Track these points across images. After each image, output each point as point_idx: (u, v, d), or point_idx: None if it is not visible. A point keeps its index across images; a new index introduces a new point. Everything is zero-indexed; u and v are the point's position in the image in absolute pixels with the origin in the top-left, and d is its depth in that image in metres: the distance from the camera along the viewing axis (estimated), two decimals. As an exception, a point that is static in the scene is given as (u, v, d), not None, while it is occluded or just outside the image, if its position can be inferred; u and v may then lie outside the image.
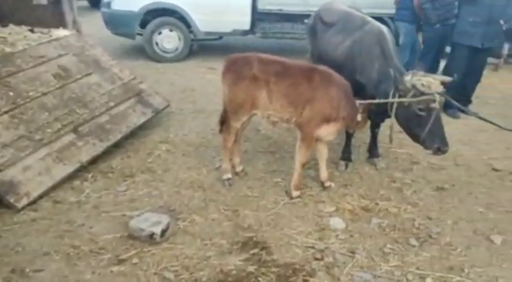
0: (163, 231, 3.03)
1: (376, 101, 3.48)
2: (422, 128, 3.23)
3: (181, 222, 3.26)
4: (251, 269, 2.81)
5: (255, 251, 2.98)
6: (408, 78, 3.25)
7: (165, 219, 3.11)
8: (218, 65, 7.33)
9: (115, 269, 2.79)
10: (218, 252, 2.96)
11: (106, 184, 3.75)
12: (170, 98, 5.42)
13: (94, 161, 3.95)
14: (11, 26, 5.07)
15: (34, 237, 3.01)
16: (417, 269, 2.84)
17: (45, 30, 4.97)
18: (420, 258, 2.95)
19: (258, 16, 8.08)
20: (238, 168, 4.01)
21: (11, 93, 3.83)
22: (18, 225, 3.12)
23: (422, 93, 3.17)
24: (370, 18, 4.00)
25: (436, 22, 6.14)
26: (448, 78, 3.44)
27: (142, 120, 4.63)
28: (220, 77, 3.69)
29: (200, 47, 8.39)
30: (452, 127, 5.12)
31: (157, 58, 7.84)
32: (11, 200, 3.23)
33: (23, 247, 2.92)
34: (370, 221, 3.36)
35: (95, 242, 3.01)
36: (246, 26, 8.06)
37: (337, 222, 3.31)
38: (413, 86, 3.19)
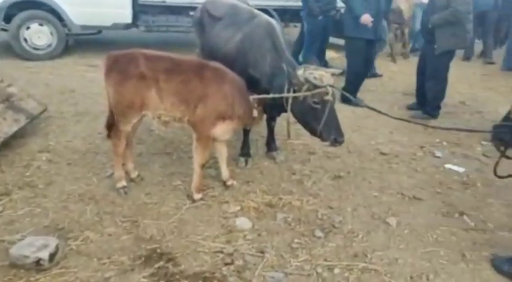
0: (52, 256, 2.65)
1: (271, 96, 3.45)
2: (318, 120, 3.26)
3: (72, 241, 2.89)
4: (158, 284, 2.60)
5: (161, 264, 2.76)
6: (301, 72, 3.26)
7: (52, 241, 2.73)
8: (99, 62, 6.84)
9: (-5, 307, 2.37)
10: (119, 271, 2.68)
11: (-25, 206, 3.20)
12: (47, 101, 4.87)
13: (-43, 180, 3.36)
14: None
15: None
16: (325, 260, 2.87)
17: None
18: (327, 249, 2.99)
19: (140, 8, 7.68)
20: (133, 174, 3.71)
21: None
22: None
23: (316, 86, 3.20)
24: (258, 11, 3.96)
25: (318, 14, 6.38)
26: (337, 71, 3.55)
27: (15, 128, 4.06)
28: (102, 76, 3.34)
29: (77, 42, 7.70)
30: (341, 115, 5.26)
31: (27, 56, 7.05)
32: None
33: None
34: (276, 216, 3.33)
35: (-32, 278, 2.54)
36: (128, 19, 7.61)
37: (243, 222, 3.22)
38: (307, 80, 3.21)
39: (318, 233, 3.14)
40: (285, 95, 3.34)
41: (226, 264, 2.80)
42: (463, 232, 3.25)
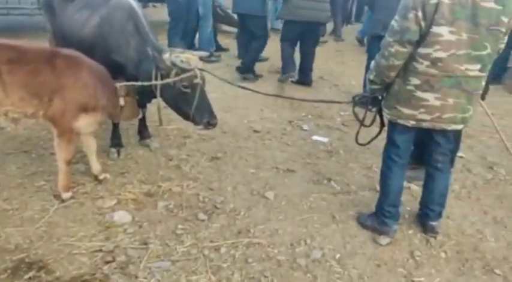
0: None
1: (139, 83, 3.28)
2: (189, 105, 3.22)
3: None
4: (31, 296, 2.34)
5: (31, 274, 2.48)
6: (167, 56, 3.17)
7: None
8: None
9: None
10: (-19, 291, 2.36)
11: None
12: None
13: None
14: None
15: None
16: (211, 242, 2.87)
17: None
18: (211, 230, 2.99)
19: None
20: (-14, 180, 3.27)
21: None
22: None
23: (184, 70, 3.14)
24: None
25: None
26: (205, 53, 3.51)
27: None
28: None
29: None
30: (212, 97, 5.28)
31: None
32: None
33: None
34: (157, 205, 3.22)
35: None
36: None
37: (122, 216, 3.05)
38: (173, 64, 3.13)
39: (201, 216, 3.13)
40: (154, 82, 3.21)
41: (107, 262, 2.63)
42: (331, 196, 3.52)
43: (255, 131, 4.69)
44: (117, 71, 3.34)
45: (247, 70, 6.50)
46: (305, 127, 4.88)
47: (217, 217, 3.15)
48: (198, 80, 3.18)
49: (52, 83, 2.94)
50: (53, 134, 3.12)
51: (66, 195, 3.19)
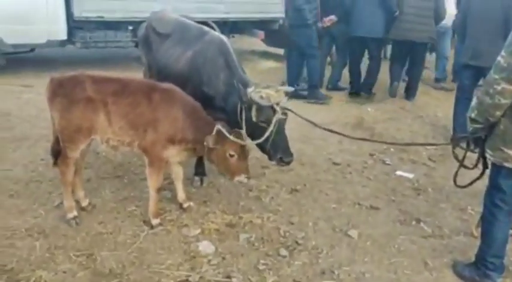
0: (2, 303, 2.43)
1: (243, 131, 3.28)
2: (266, 140, 3.22)
3: (23, 284, 2.67)
4: (123, 323, 2.45)
5: (124, 299, 2.61)
6: (250, 90, 3.22)
7: (1, 286, 2.50)
8: (35, 82, 6.48)
9: None
10: (79, 313, 2.50)
11: None
12: (-20, 127, 4.50)
13: None
14: None
15: None
16: (294, 281, 2.84)
17: None
18: (294, 268, 2.96)
19: (75, 24, 7.33)
20: (84, 203, 3.50)
21: None
22: None
23: (261, 107, 3.17)
24: (207, 28, 3.91)
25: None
26: (290, 89, 3.51)
27: None
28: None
29: (10, 61, 7.20)
30: (288, 127, 5.35)
31: (-47, 78, 6.49)
32: None
33: None
34: (238, 237, 3.26)
35: None
36: (63, 35, 7.25)
37: (206, 246, 3.12)
38: (252, 99, 3.17)
39: (283, 252, 3.11)
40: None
41: (193, 292, 2.70)
42: (422, 239, 3.34)
43: (335, 164, 4.63)
44: (206, 102, 3.48)
45: (369, 92, 7.15)
46: (388, 161, 4.74)
47: (299, 254, 3.12)
48: (275, 117, 3.17)
49: (147, 115, 3.13)
50: (145, 162, 3.29)
51: (155, 221, 3.33)
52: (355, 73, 7.30)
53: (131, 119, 3.13)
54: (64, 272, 2.79)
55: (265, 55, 10.09)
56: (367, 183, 4.24)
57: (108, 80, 3.21)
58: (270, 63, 9.62)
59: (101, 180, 3.99)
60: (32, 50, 7.47)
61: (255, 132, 3.28)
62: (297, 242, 3.24)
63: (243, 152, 3.18)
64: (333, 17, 6.85)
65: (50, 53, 8.06)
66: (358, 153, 4.95)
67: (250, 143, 3.29)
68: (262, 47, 10.38)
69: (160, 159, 3.23)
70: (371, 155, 4.90)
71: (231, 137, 3.08)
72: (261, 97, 3.15)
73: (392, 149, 5.06)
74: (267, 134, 3.16)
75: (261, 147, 3.36)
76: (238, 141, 3.11)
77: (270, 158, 3.36)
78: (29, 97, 5.98)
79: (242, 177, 3.21)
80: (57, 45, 7.35)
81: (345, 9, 6.80)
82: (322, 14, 6.81)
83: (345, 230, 3.41)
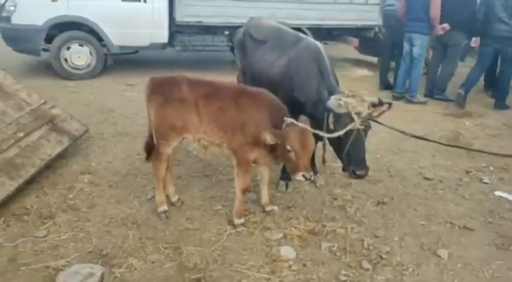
0: (98, 285, 2.64)
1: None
2: (342, 148, 3.14)
3: (117, 269, 2.87)
4: (204, 316, 2.54)
5: (205, 295, 2.70)
6: (332, 97, 3.15)
7: (98, 269, 2.71)
8: (137, 81, 6.97)
9: None
10: (164, 302, 2.64)
11: (22, 229, 3.22)
12: (87, 122, 4.93)
13: (4, 202, 3.39)
14: None
15: None
16: (376, 295, 2.75)
17: None
18: (376, 282, 2.87)
19: (176, 28, 7.79)
20: (174, 198, 3.69)
21: None
22: None
23: (336, 114, 3.07)
24: (303, 35, 3.92)
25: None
26: (375, 100, 3.22)
27: (58, 150, 4.11)
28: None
29: (115, 62, 7.83)
30: (379, 137, 5.24)
31: (67, 75, 7.22)
32: None
33: None
34: (320, 245, 3.23)
35: (16, 306, 2.54)
36: (164, 39, 7.74)
37: (287, 251, 3.13)
38: (328, 106, 3.10)
39: (366, 265, 3.02)
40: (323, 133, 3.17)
41: (272, 296, 2.72)
42: (521, 267, 3.07)
43: (426, 179, 4.39)
44: (297, 108, 3.49)
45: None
46: (485, 180, 4.39)
47: (382, 269, 3.00)
48: (352, 126, 3.04)
49: (236, 119, 3.21)
50: (233, 163, 3.38)
51: (238, 221, 3.42)
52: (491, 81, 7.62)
53: (221, 122, 3.24)
54: (152, 262, 2.97)
55: (359, 63, 9.89)
56: (460, 201, 3.96)
57: (202, 83, 3.35)
58: (363, 72, 9.41)
59: (190, 178, 4.17)
60: (136, 51, 8.05)
61: (331, 140, 3.23)
62: (381, 256, 3.13)
63: (303, 148, 3.01)
64: (446, 26, 6.84)
65: (152, 55, 8.60)
66: (453, 169, 4.65)
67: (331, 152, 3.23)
68: (355, 54, 10.19)
69: (247, 161, 3.30)
70: (467, 172, 4.57)
71: (298, 123, 2.98)
72: (339, 105, 3.05)
73: (491, 168, 4.69)
74: (347, 144, 3.05)
75: (338, 155, 3.30)
76: (303, 125, 2.99)
77: (343, 169, 3.28)
78: (131, 95, 6.44)
79: (299, 176, 3.00)
80: (158, 47, 7.86)
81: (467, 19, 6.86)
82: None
83: (433, 248, 3.23)
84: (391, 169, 4.53)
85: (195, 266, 2.95)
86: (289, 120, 3.01)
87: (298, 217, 3.59)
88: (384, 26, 8.35)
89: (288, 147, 2.97)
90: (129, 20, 7.34)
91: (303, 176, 2.97)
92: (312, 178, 3.16)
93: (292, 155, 2.99)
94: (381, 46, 8.34)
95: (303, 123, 3.03)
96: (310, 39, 3.78)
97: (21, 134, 3.87)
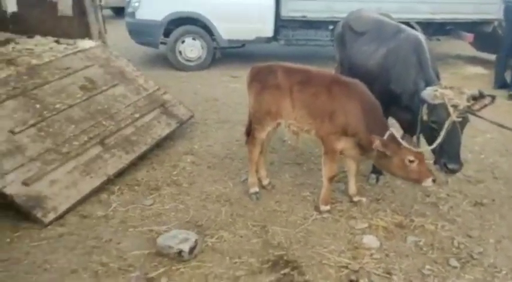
0: (192, 249, 2.93)
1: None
2: (434, 140, 3.00)
3: (209, 238, 3.16)
4: (283, 290, 2.70)
5: (286, 270, 2.86)
6: (428, 88, 3.06)
7: (192, 236, 3.02)
8: (241, 73, 7.31)
9: (143, 288, 2.71)
10: (248, 272, 2.85)
11: (132, 197, 3.68)
12: (194, 108, 5.36)
13: (120, 173, 3.89)
14: (37, 37, 5.10)
15: (62, 254, 2.95)
16: (461, 293, 2.67)
17: (71, 41, 4.99)
18: (463, 281, 2.77)
19: (281, 23, 8.02)
20: (265, 182, 3.90)
21: (38, 106, 3.81)
22: (46, 242, 3.07)
23: (433, 105, 2.97)
24: (404, 26, 3.86)
25: None
26: (475, 92, 3.05)
27: (167, 131, 4.56)
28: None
29: (223, 55, 8.31)
30: (486, 137, 4.93)
31: (180, 67, 7.82)
32: (38, 215, 3.18)
33: (50, 264, 2.86)
34: (406, 239, 3.20)
35: (123, 259, 2.94)
36: (269, 33, 7.99)
37: (371, 240, 3.16)
38: (422, 97, 3.01)
39: (453, 262, 2.94)
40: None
41: (351, 281, 2.78)
42: None
43: (535, 183, 4.06)
44: (392, 100, 3.47)
45: None
46: None
47: (471, 268, 2.90)
48: (449, 118, 2.92)
49: (326, 106, 3.31)
50: (321, 151, 3.48)
51: (324, 208, 3.52)
52: None
53: (312, 109, 3.36)
54: (241, 237, 3.21)
55: (473, 60, 9.22)
56: None
57: (297, 71, 3.50)
58: (477, 69, 8.72)
59: (282, 164, 4.35)
60: (243, 45, 8.43)
61: (425, 132, 3.16)
62: (471, 256, 3.02)
63: (421, 155, 3.08)
64: None
65: (257, 49, 8.95)
66: None
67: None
68: (470, 51, 9.51)
69: (333, 149, 3.38)
70: None
71: (403, 143, 3.01)
72: (435, 96, 2.96)
73: None
74: (440, 136, 2.94)
75: (432, 149, 3.18)
76: (410, 148, 3.01)
77: (434, 162, 3.16)
78: (235, 86, 6.81)
79: (429, 182, 3.06)
80: (263, 41, 8.15)
81: None
82: None
83: (534, 255, 3.02)
84: (495, 170, 4.25)
85: (279, 244, 3.12)
86: (390, 131, 3.10)
87: (385, 210, 3.58)
88: (505, 20, 7.67)
89: (411, 158, 3.02)
90: (238, 16, 7.73)
91: (433, 180, 3.06)
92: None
93: (414, 164, 3.04)
94: (500, 42, 7.69)
95: (407, 142, 3.05)
96: (411, 30, 3.70)
97: (137, 115, 4.38)
